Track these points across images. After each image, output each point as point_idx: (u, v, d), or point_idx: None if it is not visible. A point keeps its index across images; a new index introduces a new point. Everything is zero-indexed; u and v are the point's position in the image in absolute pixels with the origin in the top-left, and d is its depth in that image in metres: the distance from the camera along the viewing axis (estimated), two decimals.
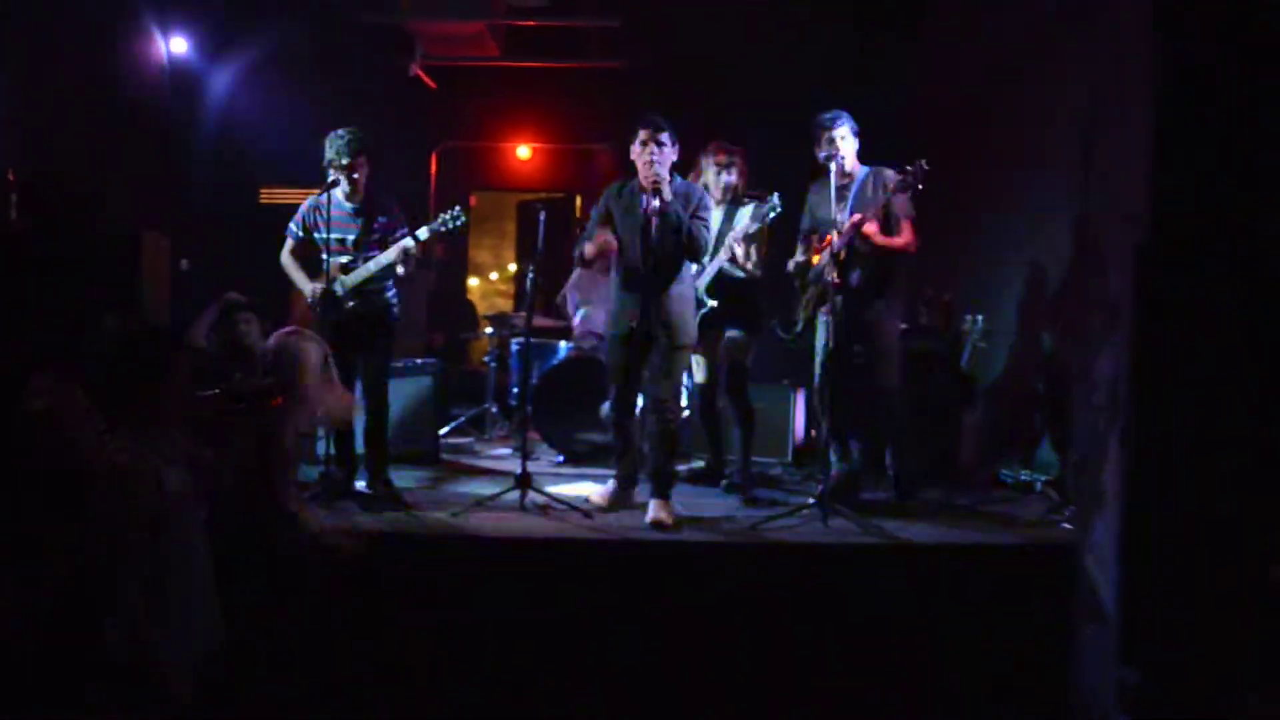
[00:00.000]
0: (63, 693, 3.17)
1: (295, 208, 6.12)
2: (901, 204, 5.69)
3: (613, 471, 5.91)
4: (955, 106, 8.19)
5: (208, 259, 8.62)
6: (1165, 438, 4.10)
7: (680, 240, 5.46)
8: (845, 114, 5.84)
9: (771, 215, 5.93)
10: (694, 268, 5.72)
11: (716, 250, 6.09)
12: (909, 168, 5.51)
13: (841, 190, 5.74)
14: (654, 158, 5.41)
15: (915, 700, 4.83)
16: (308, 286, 5.83)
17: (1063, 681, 4.61)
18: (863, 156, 5.89)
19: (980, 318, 6.97)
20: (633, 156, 5.52)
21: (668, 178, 5.45)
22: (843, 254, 5.71)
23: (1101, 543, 4.42)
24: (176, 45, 9.23)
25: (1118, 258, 4.30)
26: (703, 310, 6.05)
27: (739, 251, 6.05)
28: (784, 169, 6.25)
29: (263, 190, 10.10)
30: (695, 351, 6.16)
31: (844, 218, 5.71)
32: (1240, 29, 4.31)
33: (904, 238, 5.71)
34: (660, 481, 5.50)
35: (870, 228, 5.59)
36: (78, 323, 4.09)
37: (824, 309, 5.81)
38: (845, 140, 5.78)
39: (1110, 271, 4.41)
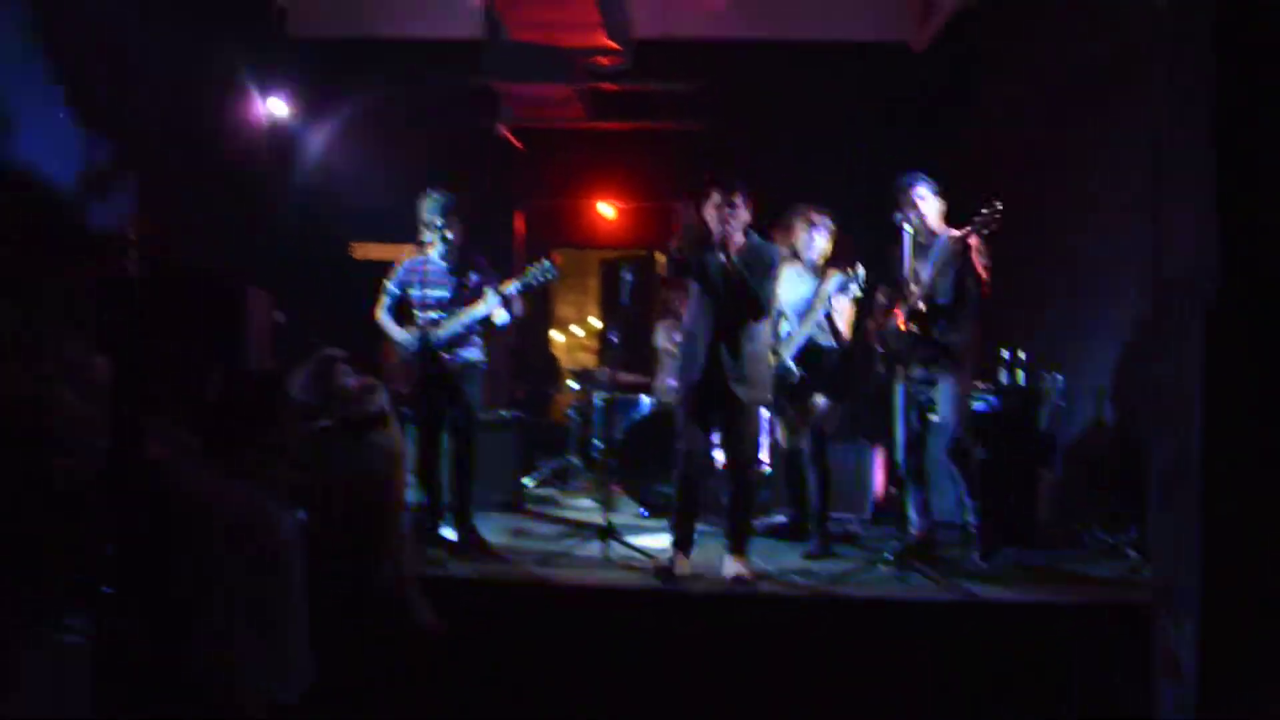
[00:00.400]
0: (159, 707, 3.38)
1: (384, 262, 6.41)
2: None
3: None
4: (1017, 158, 8.29)
5: (300, 312, 8.95)
6: (1238, 506, 4.13)
7: (752, 298, 5.55)
8: (922, 174, 5.97)
9: (854, 289, 6.03)
10: (766, 327, 5.77)
11: (805, 319, 6.23)
12: (983, 210, 5.61)
13: (924, 250, 5.86)
14: (727, 217, 5.52)
15: None
16: (405, 339, 6.06)
17: None
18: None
19: (1060, 376, 7.01)
20: (705, 215, 5.62)
21: (740, 238, 5.56)
22: (924, 308, 5.83)
23: (1181, 602, 4.45)
24: (274, 106, 9.62)
25: (1185, 321, 4.35)
26: (791, 379, 6.22)
27: (840, 315, 6.17)
28: (862, 229, 6.38)
29: (353, 245, 10.49)
30: (778, 413, 6.35)
31: (926, 275, 5.82)
32: None
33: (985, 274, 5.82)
34: (737, 537, 5.59)
35: (974, 240, 5.68)
36: (190, 372, 4.34)
37: (904, 369, 5.93)
38: (925, 201, 5.91)
39: (1180, 335, 4.47)
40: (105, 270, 5.89)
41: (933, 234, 5.91)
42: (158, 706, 3.36)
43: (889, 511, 7.22)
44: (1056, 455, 7.17)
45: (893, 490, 7.42)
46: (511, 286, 6.04)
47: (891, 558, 5.57)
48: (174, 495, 3.77)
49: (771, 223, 6.45)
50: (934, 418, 5.94)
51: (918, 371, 5.87)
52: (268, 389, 3.75)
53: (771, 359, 5.97)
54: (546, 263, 6.12)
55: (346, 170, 9.92)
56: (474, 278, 6.15)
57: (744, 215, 5.55)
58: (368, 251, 10.39)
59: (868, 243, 6.18)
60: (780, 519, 6.87)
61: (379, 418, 4.12)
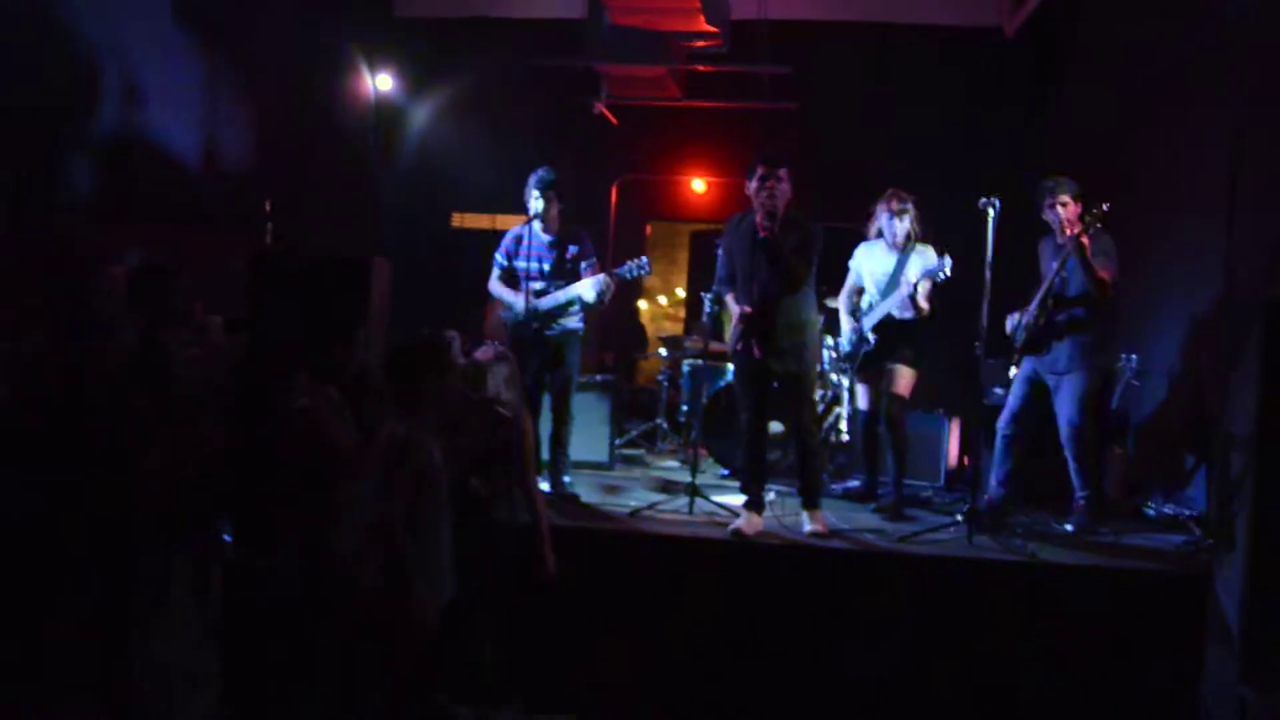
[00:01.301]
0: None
1: (481, 231, 6.83)
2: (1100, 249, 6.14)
3: (775, 486, 6.45)
4: (1101, 147, 8.48)
5: (404, 277, 9.43)
6: None
7: (792, 273, 5.88)
8: (1067, 180, 6.33)
9: (941, 277, 6.33)
10: (811, 297, 6.07)
11: (888, 293, 6.60)
12: (1092, 211, 5.97)
13: (1061, 249, 6.25)
14: (771, 193, 5.83)
15: (1040, 712, 5.24)
16: (519, 303, 6.51)
17: (1191, 699, 4.95)
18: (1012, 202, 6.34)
19: (1134, 356, 7.27)
20: (749, 192, 5.94)
21: (780, 213, 5.87)
22: (1051, 298, 6.26)
23: (1232, 574, 4.76)
24: (382, 82, 10.08)
25: (1252, 309, 4.64)
26: (866, 347, 6.67)
27: (921, 293, 6.47)
28: (949, 217, 6.66)
29: (453, 215, 10.92)
30: (859, 380, 6.83)
31: (1056, 272, 6.23)
32: None
33: (1105, 273, 6.14)
34: (808, 495, 6.03)
35: (1086, 240, 6.01)
36: (326, 334, 4.85)
37: (1031, 353, 6.41)
38: (1066, 206, 6.27)
39: (1247, 322, 4.75)
40: (250, 244, 6.46)
41: (1065, 235, 6.26)
42: (343, 618, 3.93)
43: (960, 479, 7.60)
44: (1129, 432, 7.44)
45: (965, 459, 7.78)
46: (607, 277, 6.45)
47: (960, 518, 5.99)
48: (315, 440, 4.32)
49: (860, 205, 6.85)
50: (1063, 408, 6.29)
51: (1048, 359, 6.32)
52: (438, 351, 4.31)
53: (835, 331, 6.35)
54: (644, 259, 6.56)
55: (448, 144, 10.35)
56: (572, 249, 6.58)
57: (785, 191, 5.87)
58: (465, 221, 10.86)
59: (956, 224, 6.44)
60: (855, 483, 7.26)
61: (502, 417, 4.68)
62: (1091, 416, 6.28)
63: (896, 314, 6.58)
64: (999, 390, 7.36)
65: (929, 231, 6.71)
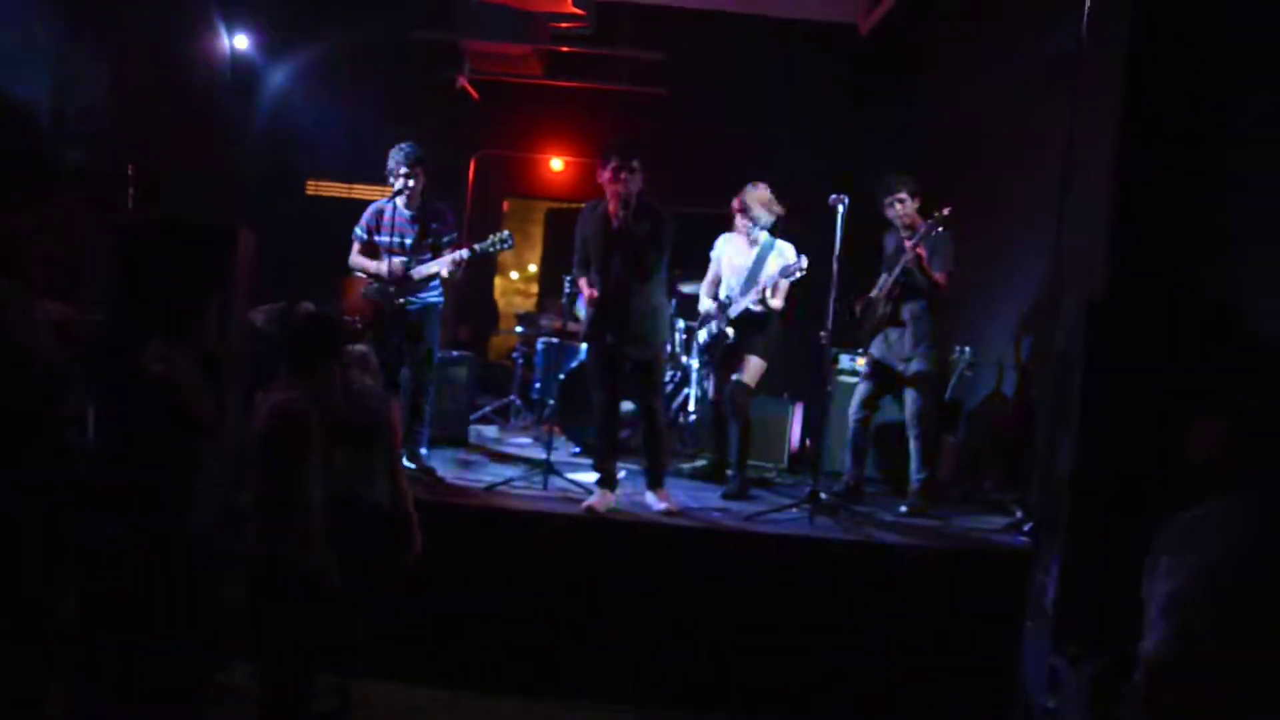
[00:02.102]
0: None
1: (338, 200, 6.80)
2: (938, 251, 6.48)
3: (625, 465, 6.64)
4: (953, 148, 8.88)
5: (259, 246, 9.27)
6: (1100, 473, 4.77)
7: (643, 261, 6.02)
8: (908, 178, 6.68)
9: (797, 275, 6.58)
10: (662, 284, 6.23)
11: (746, 289, 6.82)
12: (935, 213, 6.32)
13: (901, 245, 6.60)
14: (622, 183, 5.93)
15: (872, 682, 5.55)
16: (383, 269, 6.52)
17: (1011, 670, 5.28)
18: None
19: (968, 349, 7.66)
20: (601, 181, 6.05)
21: (633, 202, 5.98)
22: (897, 289, 6.58)
23: (1048, 553, 5.10)
24: (239, 41, 9.87)
25: (1076, 309, 4.97)
26: (726, 341, 6.90)
27: (769, 295, 6.71)
28: (810, 209, 6.88)
29: (309, 183, 10.79)
30: (710, 367, 7.06)
31: (899, 264, 6.56)
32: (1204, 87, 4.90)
33: (940, 277, 6.50)
34: (653, 474, 6.23)
35: (922, 250, 6.37)
36: (187, 303, 4.83)
37: (876, 340, 6.73)
38: (904, 203, 6.62)
39: (1071, 319, 5.09)
40: (106, 209, 6.33)
41: (907, 228, 6.61)
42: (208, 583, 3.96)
43: (803, 461, 7.90)
44: (961, 421, 7.85)
45: (807, 442, 8.09)
46: (468, 251, 6.52)
47: (827, 498, 6.28)
48: (172, 405, 4.33)
49: (721, 191, 7.04)
50: (908, 392, 6.64)
51: (894, 346, 6.66)
52: (333, 325, 4.35)
53: (689, 314, 6.53)
54: (506, 233, 6.62)
55: (306, 110, 10.19)
56: (435, 225, 6.63)
57: (638, 181, 5.97)
58: (321, 189, 10.72)
59: (814, 217, 6.64)
60: (702, 463, 7.48)
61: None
62: (932, 401, 6.65)
63: (752, 307, 6.81)
64: (842, 379, 7.72)
65: (788, 225, 6.95)
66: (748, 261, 6.90)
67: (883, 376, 6.78)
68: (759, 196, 6.82)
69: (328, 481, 4.15)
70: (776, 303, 6.74)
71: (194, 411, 4.38)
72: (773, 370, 7.02)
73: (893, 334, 6.68)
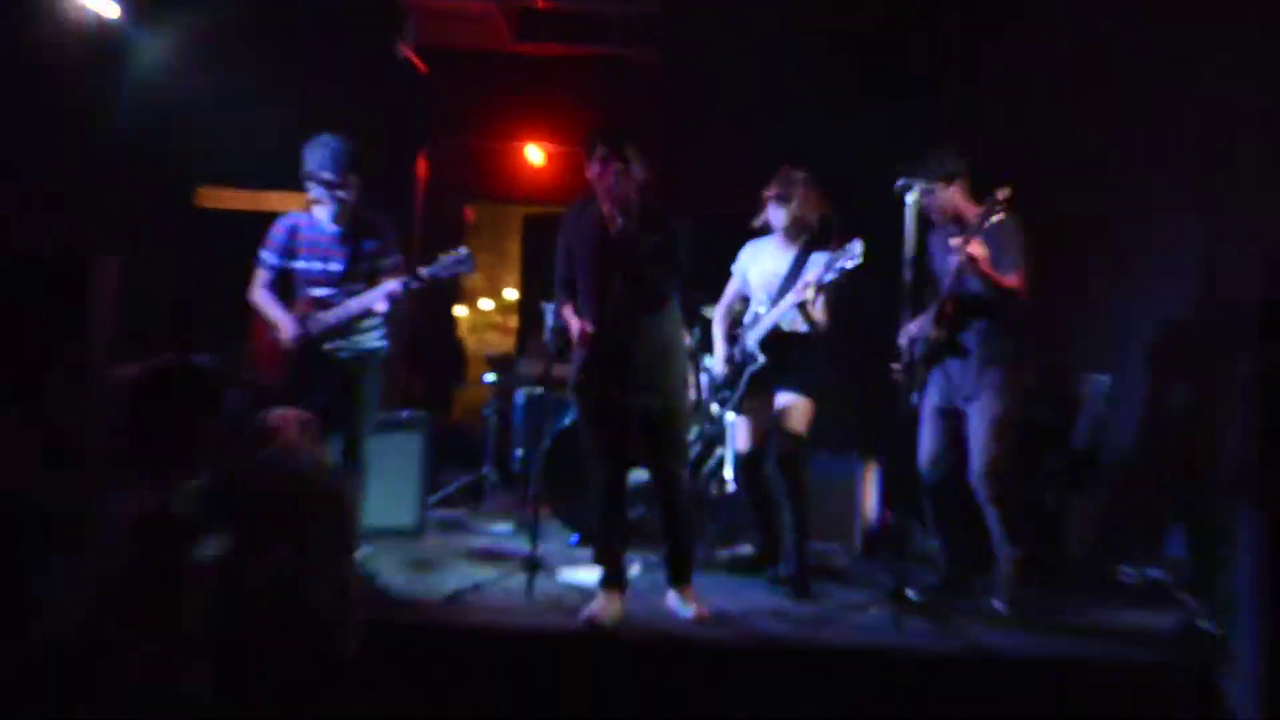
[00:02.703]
0: None
1: (241, 215, 6.67)
2: (1000, 245, 6.25)
3: (638, 557, 6.46)
4: (1041, 118, 8.73)
5: (134, 269, 9.14)
6: None
7: (649, 284, 5.92)
8: (951, 157, 6.50)
9: (850, 265, 6.39)
10: (677, 312, 6.15)
11: (780, 298, 6.67)
12: (991, 200, 6.10)
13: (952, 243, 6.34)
14: (617, 180, 5.82)
15: None
16: (289, 326, 6.38)
17: None
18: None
19: (1104, 379, 7.44)
20: (589, 177, 5.97)
21: (633, 206, 5.87)
22: (949, 306, 6.36)
23: (1240, 655, 4.88)
24: (105, 7, 9.73)
25: (1247, 315, 4.78)
26: (751, 367, 6.74)
27: (811, 300, 6.55)
28: (855, 197, 6.74)
29: (200, 190, 10.64)
30: (741, 412, 6.92)
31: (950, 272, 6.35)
32: None
33: (1010, 280, 6.25)
34: (677, 568, 6.07)
35: (975, 249, 6.12)
36: (23, 360, 4.66)
37: (932, 378, 6.53)
38: (945, 191, 6.43)
39: (1241, 331, 4.90)
40: None
41: (954, 221, 6.42)
42: None
43: (885, 542, 7.72)
44: (1098, 475, 7.60)
45: (889, 515, 7.91)
46: (407, 280, 6.35)
47: (918, 595, 6.14)
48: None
49: (745, 186, 6.89)
50: (970, 440, 6.41)
51: (955, 381, 6.46)
52: (213, 379, 4.20)
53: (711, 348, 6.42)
54: (463, 251, 6.44)
55: (196, 94, 10.05)
56: (368, 244, 6.47)
57: (638, 175, 5.88)
58: (217, 199, 10.63)
59: (859, 207, 6.52)
60: (745, 549, 7.32)
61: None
62: (1008, 450, 6.40)
63: (786, 326, 6.68)
64: None
65: (833, 223, 6.80)
66: (781, 267, 6.80)
67: (948, 426, 6.57)
68: (781, 185, 6.76)
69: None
70: (819, 315, 6.66)
71: (30, 509, 4.20)
72: (836, 415, 6.88)
73: (952, 367, 6.49)
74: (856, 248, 6.34)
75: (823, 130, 8.96)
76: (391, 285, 6.34)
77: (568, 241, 6.12)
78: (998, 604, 6.31)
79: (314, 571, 4.56)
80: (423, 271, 6.38)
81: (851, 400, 7.10)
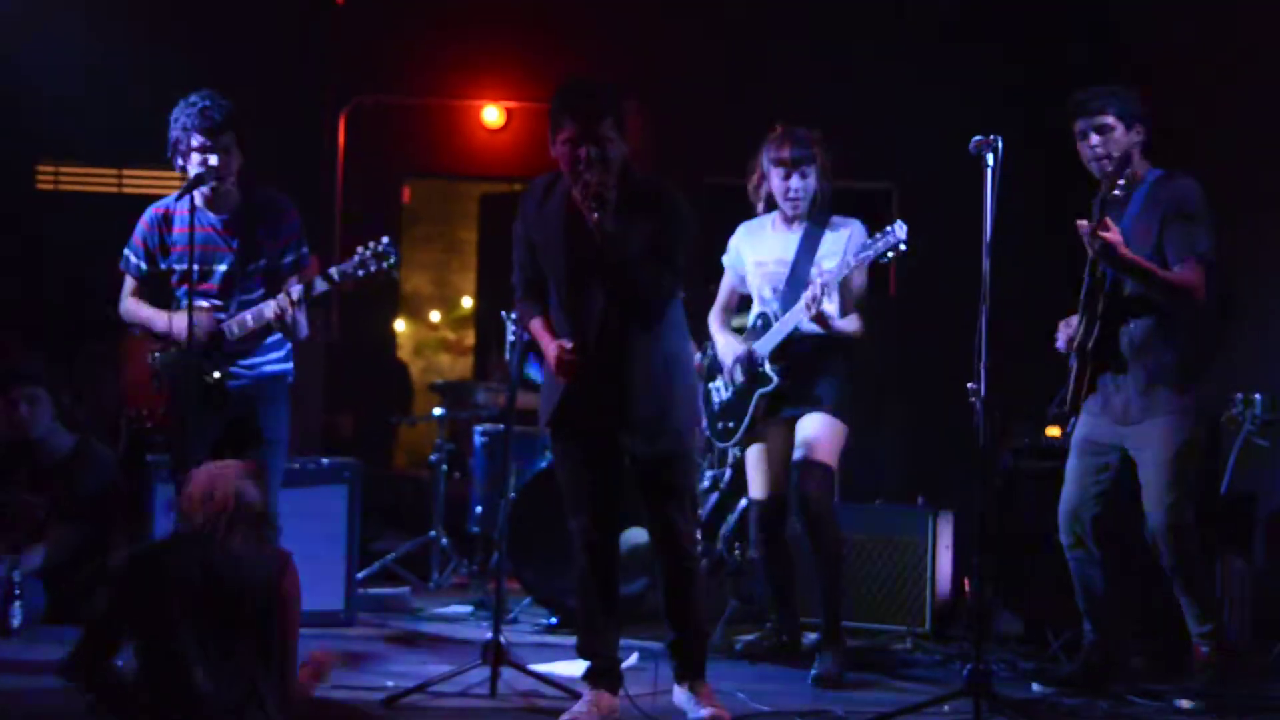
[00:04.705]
0: None
1: (99, 200, 6.79)
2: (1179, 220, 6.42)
3: (634, 644, 6.61)
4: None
5: None
6: None
7: (640, 284, 5.97)
8: (1118, 93, 6.59)
9: (889, 256, 6.55)
10: (681, 323, 6.22)
11: (793, 298, 6.81)
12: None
13: (1112, 205, 6.47)
14: (587, 163, 5.77)
15: None
16: (173, 325, 6.52)
17: None
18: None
19: (1259, 398, 7.55)
20: (554, 154, 5.94)
21: (610, 191, 5.84)
22: (1100, 300, 6.51)
23: None
24: None
25: None
26: (764, 389, 6.89)
27: (829, 307, 6.68)
28: (894, 149, 6.87)
29: (40, 169, 10.89)
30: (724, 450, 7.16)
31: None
32: None
33: (1184, 274, 6.38)
34: (690, 654, 6.15)
35: (1111, 235, 6.23)
36: None
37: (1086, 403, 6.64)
38: (1106, 134, 6.52)
39: None
40: None
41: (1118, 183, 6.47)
42: None
43: (960, 619, 7.85)
44: (1255, 527, 7.71)
45: (966, 585, 8.02)
46: (328, 273, 6.55)
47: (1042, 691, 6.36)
48: None
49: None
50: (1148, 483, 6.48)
51: (1112, 405, 6.56)
52: None
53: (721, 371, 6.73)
54: (384, 242, 6.57)
55: (33, 44, 10.20)
56: (263, 232, 6.65)
57: (619, 154, 5.86)
58: (63, 180, 10.80)
59: (927, 178, 6.64)
60: (773, 633, 7.45)
61: None
62: (1192, 492, 6.50)
63: (805, 328, 6.81)
64: (1025, 463, 7.66)
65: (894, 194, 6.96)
66: (786, 253, 6.96)
67: (1100, 465, 6.70)
68: (785, 147, 6.86)
69: None
70: (849, 324, 6.81)
71: None
72: (891, 454, 7.00)
73: (1108, 385, 6.61)
74: (900, 230, 6.47)
75: (867, 75, 9.10)
76: (293, 289, 6.49)
77: (529, 234, 6.13)
78: (1185, 703, 6.36)
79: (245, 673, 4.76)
80: (330, 271, 6.56)
81: (908, 429, 7.17)
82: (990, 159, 6.01)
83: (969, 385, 6.14)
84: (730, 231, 7.23)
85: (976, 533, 6.69)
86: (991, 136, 6.00)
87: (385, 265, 6.59)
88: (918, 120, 7.86)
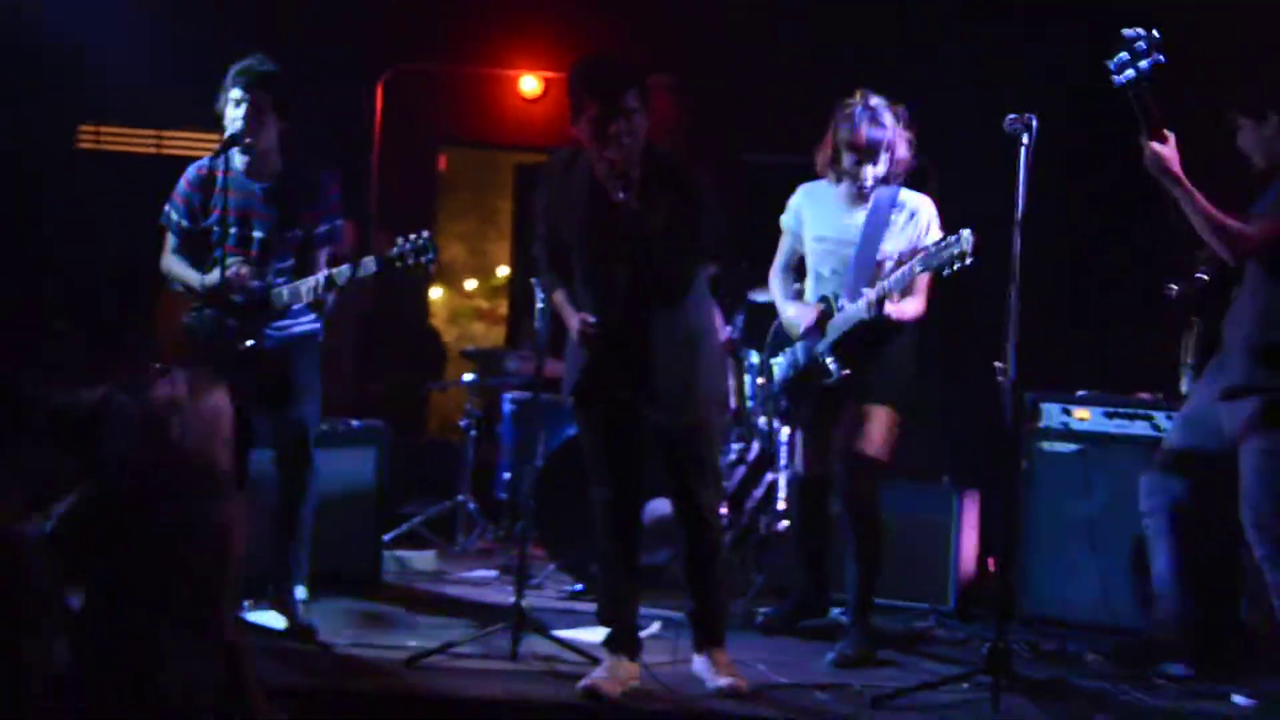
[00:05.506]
0: None
1: (140, 160, 6.83)
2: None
3: (655, 612, 6.69)
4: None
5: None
6: None
7: (663, 260, 6.01)
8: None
9: (954, 267, 6.35)
10: (705, 298, 6.32)
11: (856, 276, 6.77)
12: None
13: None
14: (614, 139, 5.82)
15: None
16: (209, 281, 6.60)
17: None
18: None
19: None
20: (576, 131, 5.99)
21: (635, 167, 5.91)
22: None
23: None
24: None
25: None
26: (827, 380, 6.85)
27: (891, 296, 6.62)
28: (962, 135, 6.83)
29: (84, 129, 10.88)
30: (803, 428, 7.11)
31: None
32: None
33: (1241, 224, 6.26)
34: (710, 624, 6.23)
35: (1164, 149, 6.09)
36: None
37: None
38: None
39: None
40: None
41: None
42: None
43: (984, 597, 7.87)
44: None
45: (990, 564, 8.04)
46: (365, 263, 6.60)
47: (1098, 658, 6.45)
48: None
49: (808, 123, 7.09)
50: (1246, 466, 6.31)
51: (1212, 378, 6.49)
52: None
53: (757, 339, 6.57)
54: (424, 236, 6.61)
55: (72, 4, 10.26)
56: (303, 203, 6.73)
57: (641, 129, 5.91)
58: (105, 139, 10.80)
59: (967, 161, 6.59)
60: (795, 606, 7.51)
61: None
62: None
63: (867, 313, 6.73)
64: (1050, 446, 7.66)
65: (931, 173, 6.94)
66: (851, 230, 6.91)
67: (1208, 432, 6.54)
68: (864, 113, 6.77)
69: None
70: (911, 307, 6.75)
71: None
72: (916, 432, 7.01)
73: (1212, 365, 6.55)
74: (967, 241, 6.27)
75: (906, 49, 9.09)
76: (334, 272, 6.58)
77: (552, 203, 6.20)
78: (1242, 700, 6.31)
79: (176, 636, 4.72)
80: (368, 262, 6.62)
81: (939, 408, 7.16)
82: (1025, 138, 6.03)
83: (996, 365, 6.18)
84: (769, 211, 7.20)
85: (1008, 512, 6.70)
86: (1027, 115, 6.02)
87: (424, 259, 6.64)
88: (954, 97, 7.77)
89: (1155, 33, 5.95)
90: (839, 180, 6.96)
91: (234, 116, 6.57)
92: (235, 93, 6.57)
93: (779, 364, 7.27)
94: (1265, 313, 6.27)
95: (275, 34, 6.88)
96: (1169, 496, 6.60)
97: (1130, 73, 5.91)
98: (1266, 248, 6.23)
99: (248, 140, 6.57)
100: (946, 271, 6.39)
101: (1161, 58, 5.88)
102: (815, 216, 7.06)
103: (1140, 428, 7.54)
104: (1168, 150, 6.10)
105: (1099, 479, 7.50)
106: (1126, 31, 6.00)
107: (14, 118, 10.36)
